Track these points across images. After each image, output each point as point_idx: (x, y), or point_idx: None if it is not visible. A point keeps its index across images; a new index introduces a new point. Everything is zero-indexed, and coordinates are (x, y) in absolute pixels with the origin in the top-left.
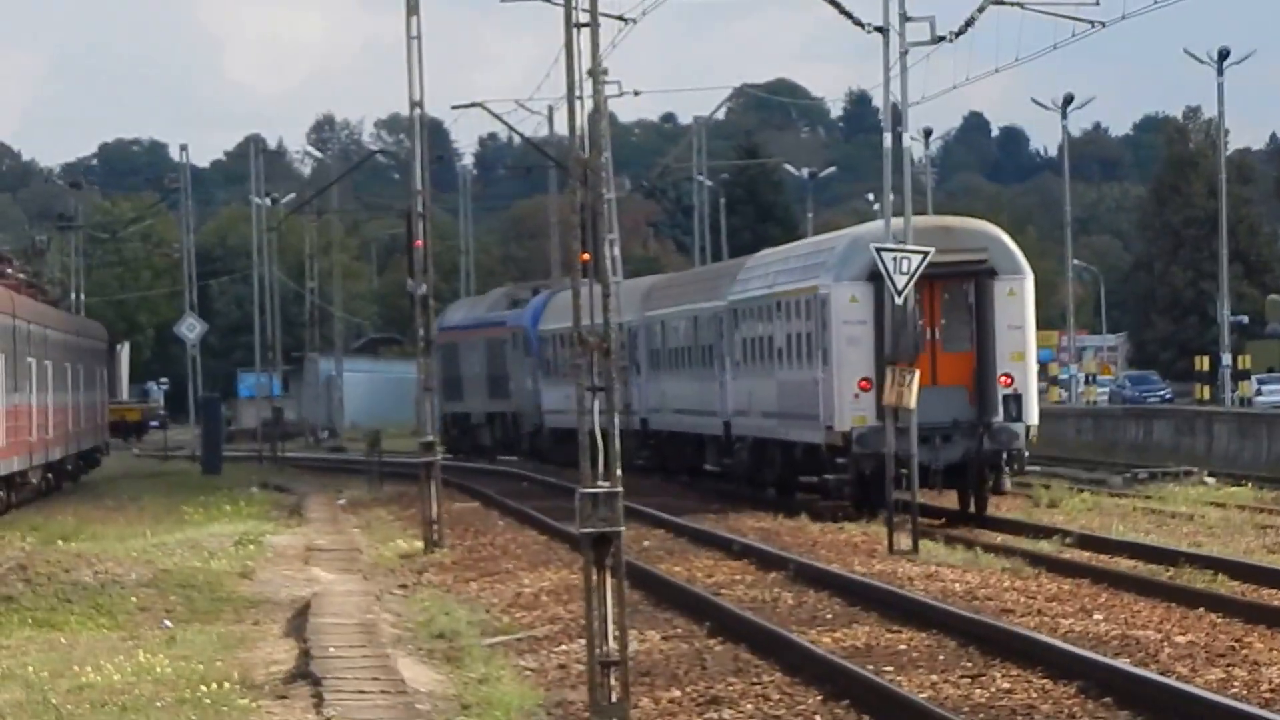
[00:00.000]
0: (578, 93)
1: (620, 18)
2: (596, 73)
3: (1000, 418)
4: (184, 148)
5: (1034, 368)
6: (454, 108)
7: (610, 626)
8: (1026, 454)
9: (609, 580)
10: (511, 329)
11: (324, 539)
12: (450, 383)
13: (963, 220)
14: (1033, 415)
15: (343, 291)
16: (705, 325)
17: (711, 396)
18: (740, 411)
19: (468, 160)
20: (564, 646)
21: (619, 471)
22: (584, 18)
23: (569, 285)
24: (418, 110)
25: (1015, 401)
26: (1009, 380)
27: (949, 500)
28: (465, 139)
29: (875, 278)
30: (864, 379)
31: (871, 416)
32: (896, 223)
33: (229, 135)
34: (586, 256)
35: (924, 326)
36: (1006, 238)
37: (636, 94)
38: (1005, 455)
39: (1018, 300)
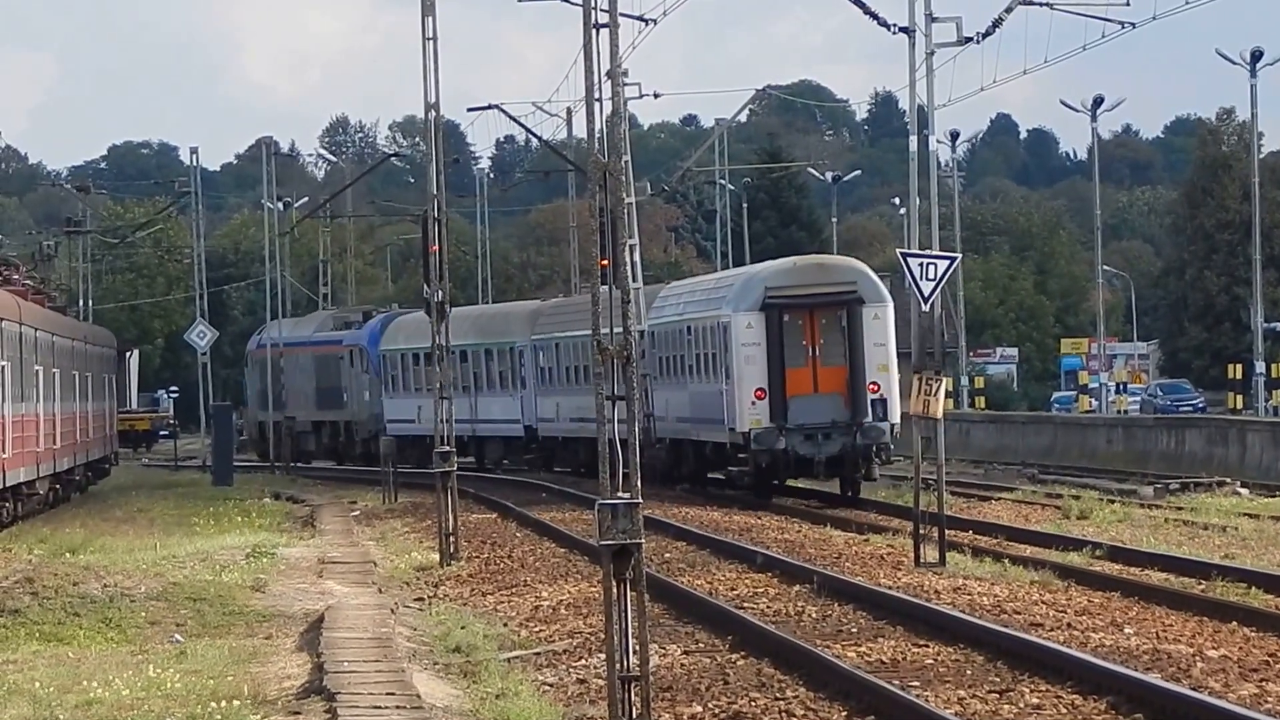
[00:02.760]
0: (597, 95)
1: (640, 18)
2: (616, 74)
3: (870, 418)
4: (194, 151)
5: (895, 377)
6: (470, 110)
7: (631, 641)
8: (892, 447)
9: (629, 593)
10: (348, 347)
11: (337, 551)
12: (265, 394)
13: (836, 258)
14: (895, 415)
15: (357, 297)
16: (584, 349)
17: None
18: (658, 417)
19: (484, 164)
20: (584, 661)
21: (638, 482)
22: (603, 18)
23: (408, 311)
24: (433, 113)
25: (881, 404)
26: (876, 387)
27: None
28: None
29: (766, 308)
30: (759, 389)
31: (766, 419)
32: (784, 261)
33: (240, 138)
34: (606, 262)
35: (805, 345)
36: (871, 272)
37: (656, 96)
38: (875, 448)
39: (881, 323)
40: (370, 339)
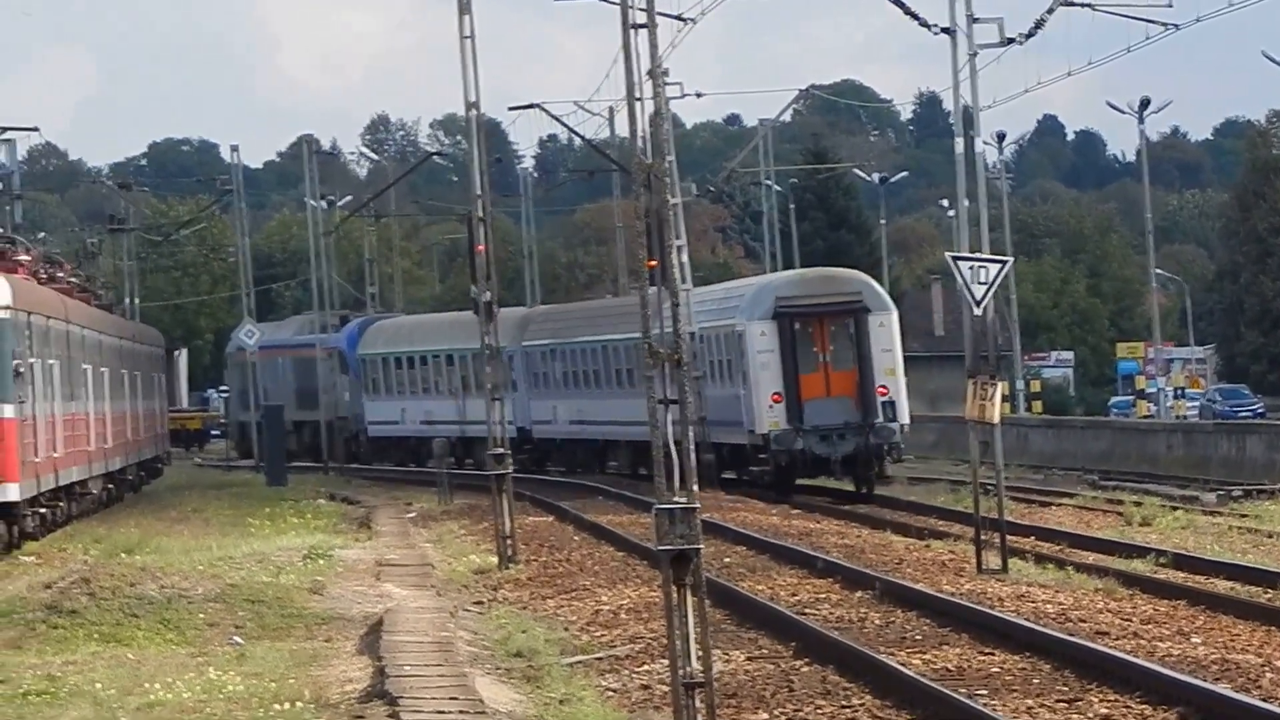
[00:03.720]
0: (637, 95)
1: (679, 17)
2: (656, 74)
3: (880, 419)
4: (235, 148)
5: (903, 380)
6: (511, 109)
7: (693, 646)
8: (902, 446)
9: (690, 599)
10: (327, 350)
11: (395, 553)
12: (246, 394)
13: (841, 271)
14: (904, 416)
15: (404, 297)
16: (616, 352)
17: (632, 410)
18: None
19: (528, 163)
20: (646, 666)
21: (694, 486)
22: (640, 18)
23: (386, 314)
24: (474, 112)
25: (890, 406)
26: (885, 390)
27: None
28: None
29: (778, 316)
30: (775, 393)
31: (783, 422)
32: (793, 273)
33: (280, 136)
34: (653, 263)
35: (817, 351)
36: (875, 283)
37: (699, 95)
38: (885, 447)
39: (886, 330)
40: (349, 342)
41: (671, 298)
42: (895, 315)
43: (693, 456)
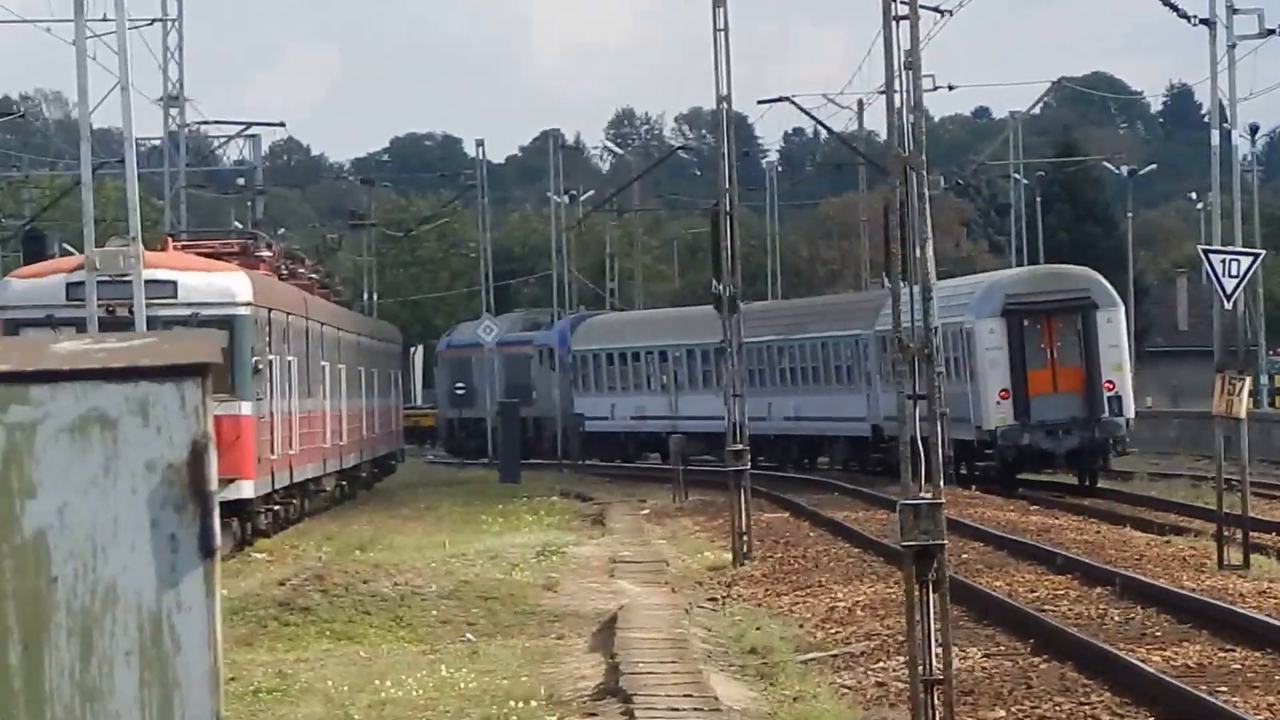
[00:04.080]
0: (896, 87)
1: (937, 9)
2: (916, 66)
3: (1107, 414)
4: (480, 143)
5: (1129, 376)
6: (760, 102)
7: (934, 644)
8: (1128, 440)
9: (931, 595)
10: (538, 347)
11: (628, 550)
12: (458, 392)
13: (1069, 267)
14: (1130, 411)
15: (645, 293)
16: (844, 349)
17: (855, 406)
18: (892, 417)
19: (772, 156)
20: (881, 663)
21: (941, 483)
22: (903, 10)
23: (596, 313)
24: (725, 106)
25: (1117, 401)
26: (1111, 385)
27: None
28: (769, 135)
29: (1006, 314)
30: (1003, 389)
31: (1010, 417)
32: (1021, 270)
33: (523, 130)
34: (896, 257)
35: (1044, 348)
36: (1103, 279)
37: (951, 89)
38: (1111, 441)
39: (1113, 326)
40: (560, 339)
41: (924, 293)
42: (1122, 311)
43: (939, 452)
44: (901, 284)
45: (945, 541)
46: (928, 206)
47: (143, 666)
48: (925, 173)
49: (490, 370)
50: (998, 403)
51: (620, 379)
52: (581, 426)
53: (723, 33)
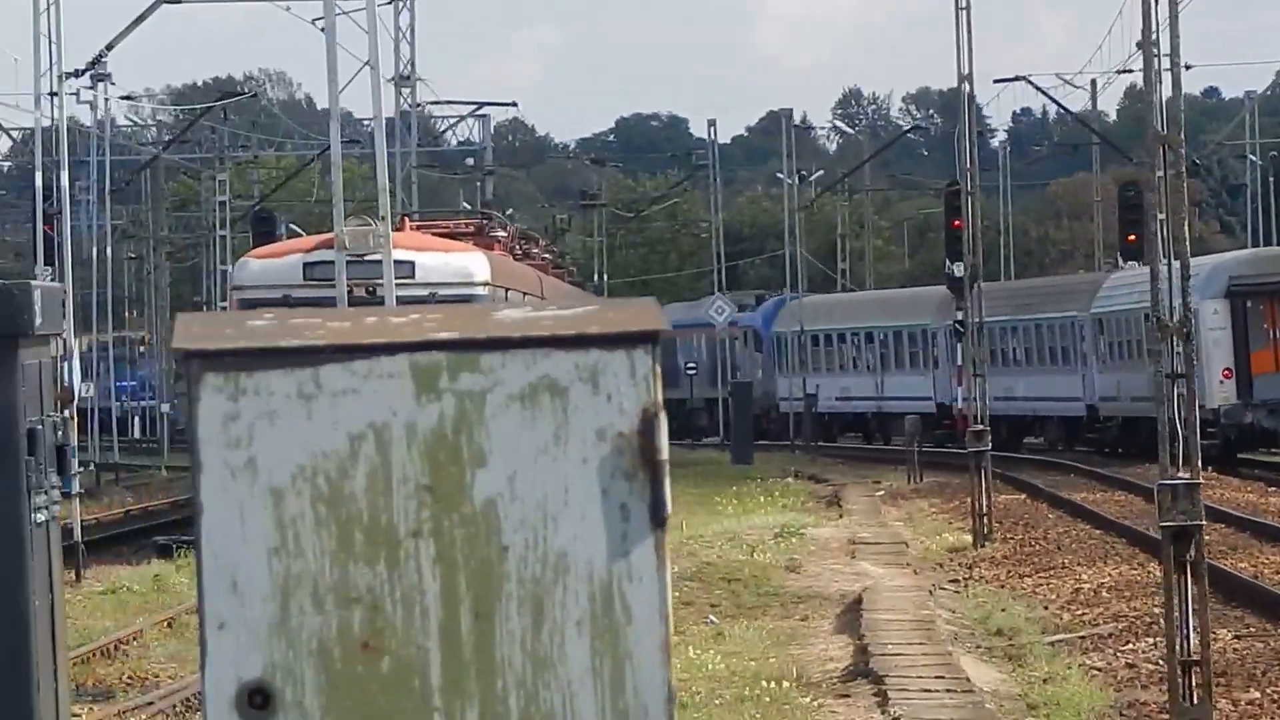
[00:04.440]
0: (1156, 67)
1: None
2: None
3: None
4: (712, 123)
5: None
6: (996, 81)
7: (1190, 625)
8: None
9: (1188, 576)
10: (742, 329)
11: (866, 531)
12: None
13: None
14: None
15: (874, 273)
16: (1060, 330)
17: (1070, 386)
18: (1108, 397)
19: (1001, 136)
20: (1130, 645)
21: (1199, 463)
22: None
23: (798, 295)
24: (966, 85)
25: None
26: None
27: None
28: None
29: (1230, 295)
30: (1226, 369)
31: (1233, 397)
32: (1245, 252)
33: (748, 110)
34: (1133, 237)
35: (1267, 328)
36: None
37: (1188, 68)
38: None
39: None
40: (763, 321)
41: (1183, 270)
42: None
43: (1196, 432)
44: (1141, 264)
45: (1203, 522)
46: (1184, 185)
47: (594, 636)
48: (1183, 151)
49: (701, 351)
50: (1221, 382)
51: (826, 360)
52: (776, 408)
53: (965, 11)
